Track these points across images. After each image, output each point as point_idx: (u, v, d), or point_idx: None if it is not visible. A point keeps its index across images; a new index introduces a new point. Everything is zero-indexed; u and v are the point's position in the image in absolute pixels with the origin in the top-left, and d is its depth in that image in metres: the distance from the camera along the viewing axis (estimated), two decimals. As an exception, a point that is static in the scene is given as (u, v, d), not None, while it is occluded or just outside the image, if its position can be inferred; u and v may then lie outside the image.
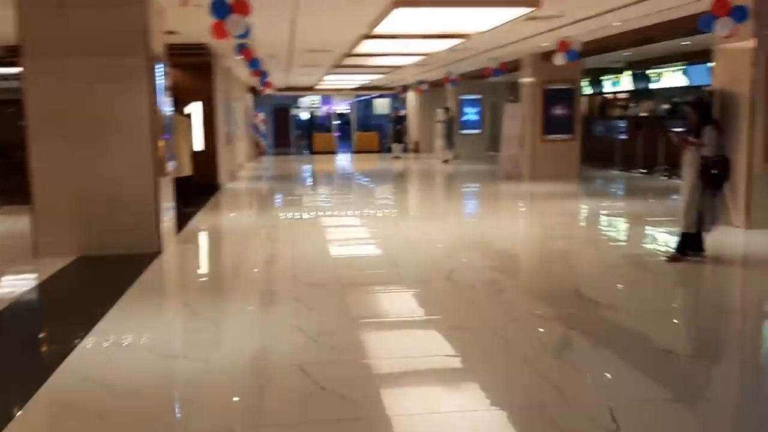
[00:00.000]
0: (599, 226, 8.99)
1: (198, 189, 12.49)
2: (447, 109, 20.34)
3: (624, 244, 7.78)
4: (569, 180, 14.06)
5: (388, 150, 25.28)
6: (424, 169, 19.09)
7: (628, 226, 8.76)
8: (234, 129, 17.66)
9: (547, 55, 13.93)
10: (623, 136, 18.85)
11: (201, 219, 9.60)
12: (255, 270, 6.48)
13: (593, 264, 6.52)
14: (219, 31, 6.29)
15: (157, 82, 7.14)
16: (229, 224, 9.51)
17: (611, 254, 6.95)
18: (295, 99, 30.10)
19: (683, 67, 17.98)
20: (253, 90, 24.51)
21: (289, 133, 30.69)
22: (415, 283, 5.73)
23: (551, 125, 14.42)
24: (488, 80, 20.77)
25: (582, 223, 9.27)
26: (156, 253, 6.96)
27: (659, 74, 19.12)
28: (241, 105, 21.01)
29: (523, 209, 10.73)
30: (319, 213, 10.21)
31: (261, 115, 27.08)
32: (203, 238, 8.41)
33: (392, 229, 8.57)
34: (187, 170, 10.29)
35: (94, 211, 6.97)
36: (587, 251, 7.16)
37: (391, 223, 9.05)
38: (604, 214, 9.82)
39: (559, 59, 10.55)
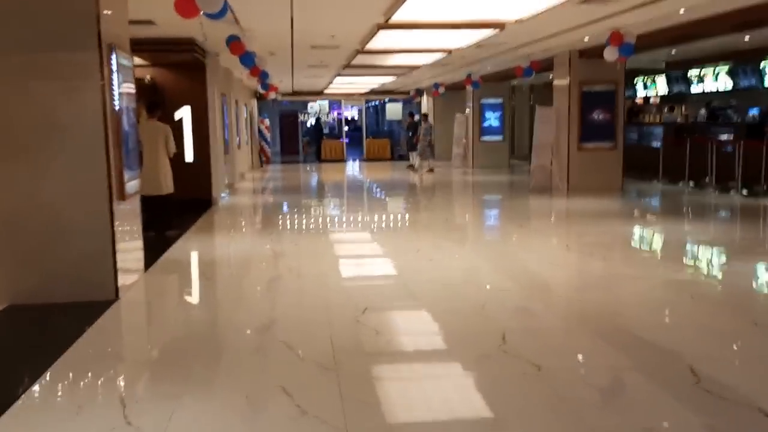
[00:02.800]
0: (684, 262, 7.05)
1: (186, 206, 10.89)
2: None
3: (735, 290, 6.05)
4: (611, 194, 12.33)
5: (401, 158, 23.67)
6: (441, 180, 17.38)
7: (726, 262, 6.97)
8: (235, 136, 16.07)
9: (585, 53, 12.25)
10: (658, 144, 17.16)
11: (183, 246, 7.96)
12: (239, 335, 4.81)
13: (701, 322, 4.80)
14: (185, 6, 4.64)
15: (115, 80, 5.51)
16: (216, 254, 7.86)
17: (720, 308, 5.23)
18: (303, 104, 28.52)
19: (728, 67, 16.25)
20: (258, 95, 22.95)
21: (298, 140, 29.11)
22: (464, 360, 4.02)
23: (590, 132, 12.72)
24: (507, 83, 19.20)
25: (655, 256, 7.51)
26: (110, 302, 5.32)
27: (701, 76, 17.38)
28: (243, 110, 19.43)
29: (574, 234, 9.01)
30: (326, 238, 8.52)
31: (266, 121, 25.50)
32: (178, 277, 6.72)
33: (418, 263, 6.88)
34: (165, 188, 8.68)
35: (27, 245, 5.35)
36: (682, 301, 5.40)
37: (415, 253, 7.36)
38: (680, 243, 8.05)
39: (611, 54, 8.85)
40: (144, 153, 8.58)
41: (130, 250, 5.90)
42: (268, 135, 25.45)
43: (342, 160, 25.28)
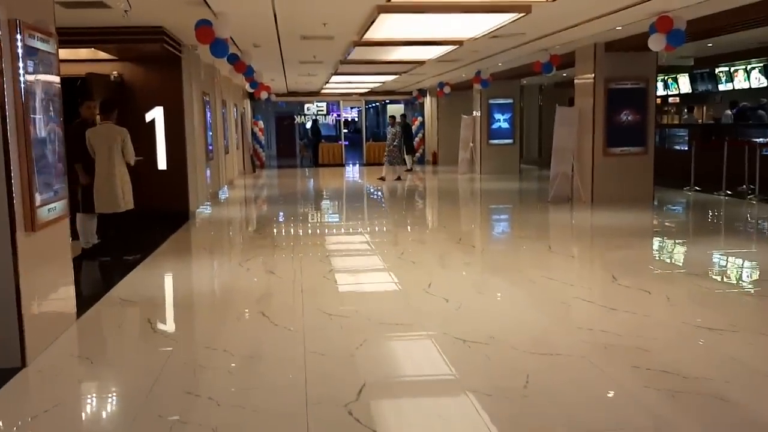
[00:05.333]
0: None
1: (156, 221, 9.46)
2: (393, 118, 17.70)
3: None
4: (642, 206, 10.87)
5: (402, 162, 22.21)
6: (448, 188, 15.93)
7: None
8: (221, 140, 14.62)
9: (613, 45, 10.78)
10: (683, 147, 15.70)
11: (140, 277, 6.49)
12: None
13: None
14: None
15: (21, 68, 4.06)
16: (178, 290, 6.39)
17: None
18: (301, 106, 27.04)
19: (762, 64, 14.78)
20: (251, 95, 21.48)
21: (295, 143, 27.67)
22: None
23: (617, 135, 11.24)
24: (517, 82, 17.72)
25: (738, 295, 5.99)
26: (14, 370, 3.88)
27: (729, 73, 15.92)
28: (233, 112, 17.98)
29: (618, 262, 7.56)
30: (320, 268, 7.04)
31: (260, 124, 24.06)
32: (119, 329, 5.21)
33: (436, 305, 5.43)
34: (123, 203, 7.24)
35: None
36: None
37: (432, 290, 5.91)
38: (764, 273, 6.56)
39: (658, 42, 7.38)
40: (97, 162, 7.16)
41: (47, 296, 4.44)
42: (261, 138, 24.03)
43: (341, 165, 23.84)
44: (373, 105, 29.21)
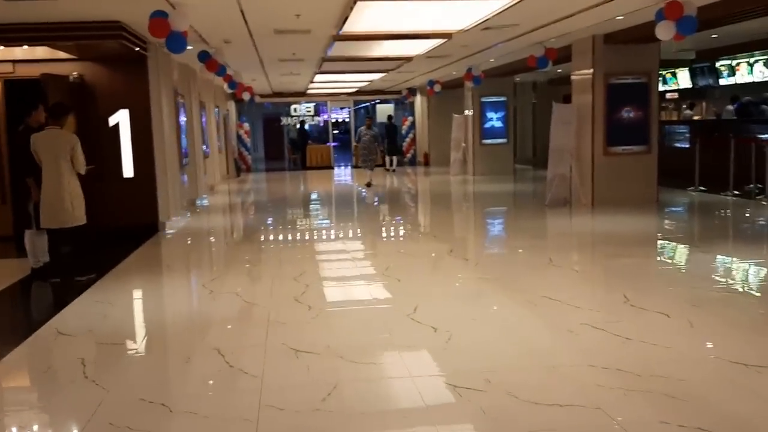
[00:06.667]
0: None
1: (120, 235, 8.72)
2: (370, 119, 16.12)
3: None
4: (646, 208, 10.18)
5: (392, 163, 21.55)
6: (440, 191, 15.21)
7: None
8: (200, 144, 13.85)
9: (612, 37, 10.07)
10: (684, 145, 15.01)
11: (88, 302, 5.72)
12: None
13: None
14: None
15: None
16: (129, 321, 5.62)
17: None
18: (287, 107, 26.25)
19: (766, 57, 14.09)
20: (236, 97, 20.69)
21: (283, 146, 26.89)
22: None
23: (618, 133, 10.54)
24: (510, 79, 16.98)
25: None
26: None
27: (731, 67, 15.23)
28: (215, 114, 17.21)
29: (628, 276, 6.84)
30: (295, 286, 6.27)
31: (246, 126, 23.26)
32: (47, 370, 4.44)
33: (422, 337, 4.70)
34: (73, 218, 6.47)
35: None
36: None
37: (418, 316, 5.17)
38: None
39: (666, 31, 6.65)
40: (44, 173, 6.38)
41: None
42: (247, 140, 23.24)
43: (329, 167, 23.09)
44: (364, 105, 28.47)
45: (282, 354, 4.19)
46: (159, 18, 5.97)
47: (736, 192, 11.21)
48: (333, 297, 5.74)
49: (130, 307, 5.76)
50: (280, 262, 7.39)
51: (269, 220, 11.26)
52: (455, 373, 3.80)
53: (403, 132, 23.79)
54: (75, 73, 9.35)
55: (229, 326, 4.95)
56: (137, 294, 6.19)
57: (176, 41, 6.14)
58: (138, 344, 4.68)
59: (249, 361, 4.10)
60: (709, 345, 4.27)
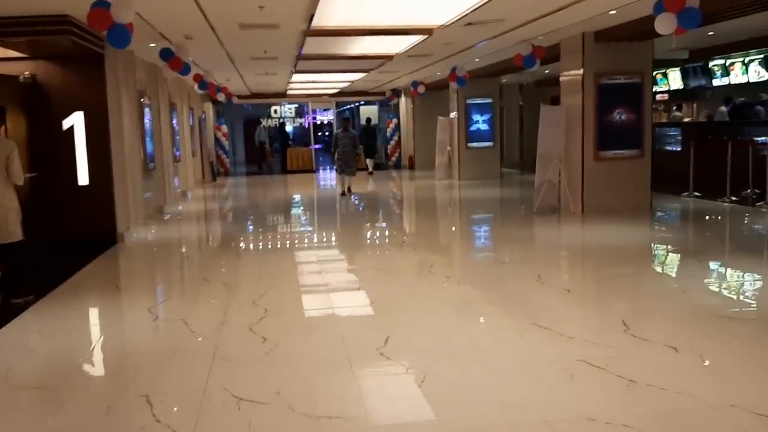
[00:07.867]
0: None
1: (73, 248, 8.02)
2: (347, 121, 14.66)
3: None
4: (640, 216, 9.60)
5: (377, 167, 20.91)
6: (425, 196, 14.56)
7: None
8: (169, 148, 13.11)
9: (604, 34, 9.47)
10: (676, 148, 14.48)
11: (14, 331, 5.01)
12: None
13: None
14: None
15: None
16: (54, 351, 4.87)
17: None
18: (268, 108, 25.49)
19: (763, 56, 13.58)
20: (214, 99, 19.91)
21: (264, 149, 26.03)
22: None
23: (609, 136, 9.93)
24: (496, 80, 16.36)
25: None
26: None
27: (725, 67, 14.71)
28: (189, 116, 16.46)
29: (625, 297, 6.22)
30: (251, 312, 5.57)
31: (224, 128, 22.49)
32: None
33: (392, 379, 4.04)
34: (7, 234, 5.78)
35: None
36: None
37: (388, 350, 4.51)
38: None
39: (667, 24, 6.03)
40: (-27, 182, 5.66)
41: None
42: (225, 143, 22.45)
43: (311, 171, 22.37)
44: (347, 107, 27.79)
45: (221, 403, 3.50)
46: (99, 9, 5.26)
47: (734, 198, 10.65)
48: (293, 326, 5.02)
49: (62, 338, 5.02)
50: (242, 281, 6.69)
51: (238, 230, 10.55)
52: (429, 427, 3.13)
53: (388, 135, 23.15)
54: (26, 72, 8.60)
55: (166, 365, 4.24)
56: (73, 321, 5.45)
57: (119, 34, 5.42)
58: (56, 388, 3.95)
59: (181, 413, 3.41)
60: (728, 388, 3.61)
